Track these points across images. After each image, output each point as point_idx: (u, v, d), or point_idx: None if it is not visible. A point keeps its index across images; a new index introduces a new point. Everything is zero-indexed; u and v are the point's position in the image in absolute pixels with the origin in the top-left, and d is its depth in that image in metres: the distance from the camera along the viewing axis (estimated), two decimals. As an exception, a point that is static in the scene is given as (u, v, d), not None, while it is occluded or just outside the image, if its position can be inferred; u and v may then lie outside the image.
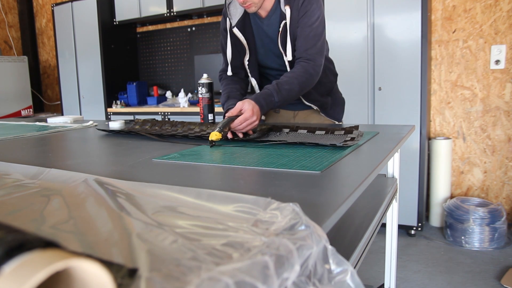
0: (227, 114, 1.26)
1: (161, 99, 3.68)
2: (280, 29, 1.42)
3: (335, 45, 2.53)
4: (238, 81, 1.63)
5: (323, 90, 1.59)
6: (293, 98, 1.38)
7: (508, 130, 2.62)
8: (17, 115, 4.16)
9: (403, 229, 2.64)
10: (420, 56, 2.43)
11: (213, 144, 1.07)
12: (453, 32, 2.69)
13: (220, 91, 1.68)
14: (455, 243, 2.46)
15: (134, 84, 3.66)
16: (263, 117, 1.72)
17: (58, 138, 1.39)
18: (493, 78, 2.61)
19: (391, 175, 1.48)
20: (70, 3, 3.77)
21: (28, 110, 4.28)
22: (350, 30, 2.59)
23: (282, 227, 0.42)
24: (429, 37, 2.54)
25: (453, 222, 2.46)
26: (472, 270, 2.15)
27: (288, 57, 1.43)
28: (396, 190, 1.43)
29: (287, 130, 1.22)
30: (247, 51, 1.53)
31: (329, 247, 0.42)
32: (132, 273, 0.33)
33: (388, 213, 1.45)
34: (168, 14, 3.35)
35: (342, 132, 1.15)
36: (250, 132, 1.22)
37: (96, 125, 1.72)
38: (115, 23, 3.68)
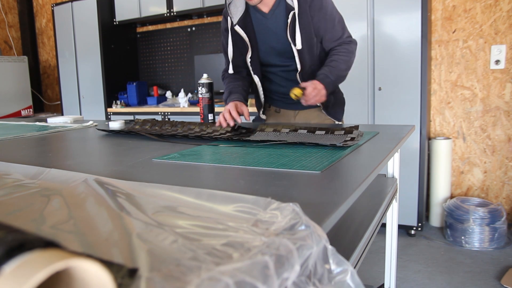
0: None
1: (161, 99, 3.68)
2: (289, 20, 1.43)
3: (335, 45, 2.53)
4: (240, 78, 1.64)
5: None
6: (342, 76, 1.51)
7: (508, 130, 2.62)
8: (17, 115, 4.16)
9: (403, 229, 2.64)
10: (420, 56, 2.43)
11: (297, 98, 1.35)
12: (453, 32, 2.69)
13: (222, 90, 1.70)
14: (455, 243, 2.46)
15: (134, 84, 3.66)
16: (263, 116, 1.73)
17: (58, 138, 1.39)
18: (493, 78, 2.61)
19: (391, 175, 1.48)
20: (70, 3, 3.77)
21: (28, 110, 4.28)
22: (350, 30, 2.58)
23: (282, 227, 0.42)
24: (429, 37, 2.54)
25: (453, 222, 2.47)
26: (472, 270, 2.15)
27: (298, 45, 1.45)
28: (396, 190, 1.43)
29: (287, 130, 1.22)
30: (249, 48, 1.53)
31: (329, 247, 0.42)
32: (132, 273, 0.33)
33: (388, 213, 1.45)
34: (168, 14, 3.35)
35: (342, 132, 1.15)
36: (318, 101, 1.42)
37: (96, 125, 1.72)
38: (115, 23, 3.68)
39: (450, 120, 2.77)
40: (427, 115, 2.54)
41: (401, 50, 2.47)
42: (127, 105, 3.71)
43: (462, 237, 2.42)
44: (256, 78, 1.60)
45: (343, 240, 0.93)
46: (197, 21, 3.64)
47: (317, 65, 1.55)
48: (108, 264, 0.32)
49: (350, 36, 1.54)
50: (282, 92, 1.63)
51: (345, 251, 0.86)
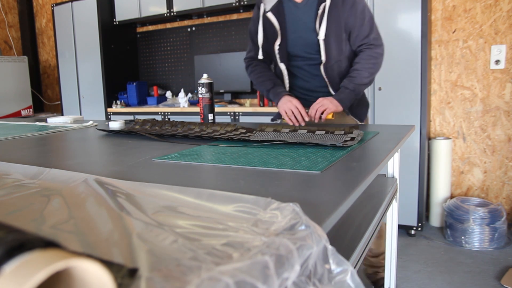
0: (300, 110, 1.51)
1: (161, 99, 3.68)
2: (320, 11, 1.49)
3: (335, 45, 2.53)
4: (269, 69, 1.71)
5: None
6: (364, 84, 1.53)
7: (508, 130, 2.62)
8: (17, 115, 4.16)
9: (403, 229, 2.64)
10: (420, 56, 2.43)
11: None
12: (453, 32, 2.69)
13: (250, 77, 1.78)
14: (455, 243, 2.46)
15: (134, 84, 3.66)
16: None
17: (58, 138, 1.39)
18: (493, 78, 2.61)
19: (391, 175, 1.48)
20: (70, 3, 3.77)
21: (28, 110, 4.28)
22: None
23: (282, 227, 0.42)
24: (429, 37, 2.54)
25: (453, 222, 2.46)
26: (472, 270, 2.15)
27: (321, 36, 1.49)
28: (396, 190, 1.43)
29: (287, 130, 1.21)
30: (279, 36, 1.55)
31: (329, 247, 0.42)
32: (132, 273, 0.33)
33: (388, 213, 1.45)
34: (168, 14, 3.35)
35: (342, 132, 1.15)
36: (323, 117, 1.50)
37: (96, 125, 1.72)
38: (115, 23, 3.68)
39: (450, 120, 2.77)
40: (427, 115, 2.54)
41: (401, 50, 2.47)
42: (127, 105, 3.71)
43: (462, 237, 2.42)
44: (282, 66, 1.62)
45: (343, 240, 0.93)
46: (197, 21, 3.64)
47: (344, 62, 1.58)
48: (108, 264, 0.32)
49: (378, 39, 1.55)
50: (307, 88, 1.65)
51: (345, 251, 0.87)
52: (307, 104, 1.64)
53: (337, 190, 0.66)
